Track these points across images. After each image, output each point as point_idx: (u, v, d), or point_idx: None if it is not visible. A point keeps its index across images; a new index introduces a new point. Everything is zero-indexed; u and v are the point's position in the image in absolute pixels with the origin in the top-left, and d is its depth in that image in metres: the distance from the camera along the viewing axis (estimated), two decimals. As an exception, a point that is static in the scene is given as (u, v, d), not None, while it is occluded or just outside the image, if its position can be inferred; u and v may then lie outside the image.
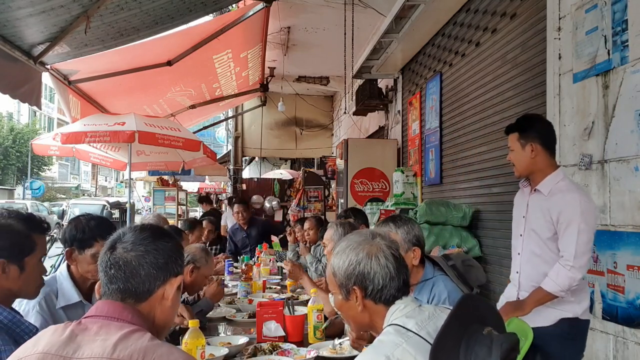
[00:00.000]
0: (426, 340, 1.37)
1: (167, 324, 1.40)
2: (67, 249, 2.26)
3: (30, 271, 1.73)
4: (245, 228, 6.28)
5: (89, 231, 2.24)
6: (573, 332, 2.43)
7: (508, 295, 2.62)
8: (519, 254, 2.59)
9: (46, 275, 1.93)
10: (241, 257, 5.42)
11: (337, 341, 2.37)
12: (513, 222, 2.70)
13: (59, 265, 7.72)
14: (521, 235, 2.58)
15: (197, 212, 16.86)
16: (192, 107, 8.46)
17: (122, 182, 40.51)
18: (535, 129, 2.50)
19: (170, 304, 1.35)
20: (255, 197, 11.45)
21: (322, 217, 8.97)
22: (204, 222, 5.95)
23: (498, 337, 1.31)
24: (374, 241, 1.54)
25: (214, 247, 6.42)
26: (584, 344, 2.52)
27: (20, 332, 1.62)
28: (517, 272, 2.59)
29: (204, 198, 11.51)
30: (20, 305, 2.09)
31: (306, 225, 4.93)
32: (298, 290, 3.76)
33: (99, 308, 1.28)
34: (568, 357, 2.42)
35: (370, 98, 7.26)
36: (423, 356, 1.33)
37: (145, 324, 1.29)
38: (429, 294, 2.10)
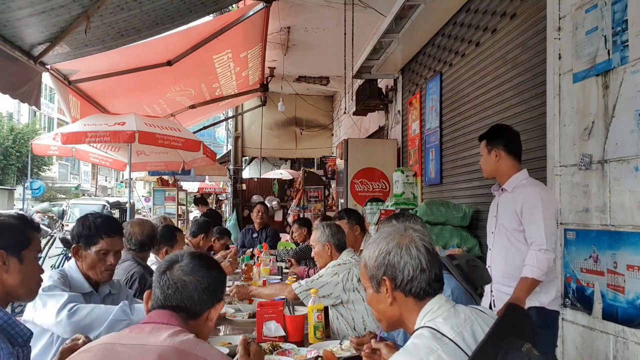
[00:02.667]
0: (461, 349, 1.34)
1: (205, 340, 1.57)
2: (73, 245, 2.36)
3: (29, 265, 1.75)
4: (258, 229, 6.54)
5: (94, 229, 2.34)
6: (541, 320, 2.64)
7: (485, 294, 2.79)
8: (490, 249, 2.91)
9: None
10: (241, 257, 5.43)
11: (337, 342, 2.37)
12: (487, 223, 3.02)
13: (59, 264, 7.73)
14: (492, 232, 2.90)
15: (193, 213, 16.82)
16: (192, 107, 8.46)
17: (122, 182, 40.52)
18: (501, 137, 2.86)
19: (212, 325, 1.55)
20: (255, 197, 11.46)
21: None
22: (225, 238, 5.99)
23: (538, 358, 1.28)
24: (406, 232, 1.53)
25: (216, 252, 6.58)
26: (556, 334, 2.76)
27: (15, 335, 1.61)
28: (489, 266, 2.84)
29: (199, 200, 11.49)
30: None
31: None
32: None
33: (151, 317, 1.46)
34: (539, 346, 2.48)
35: (370, 98, 7.26)
36: None
37: (190, 332, 1.45)
38: None
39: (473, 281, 2.19)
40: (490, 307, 2.72)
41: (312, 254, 3.21)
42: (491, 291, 2.81)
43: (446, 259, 2.25)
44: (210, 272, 1.51)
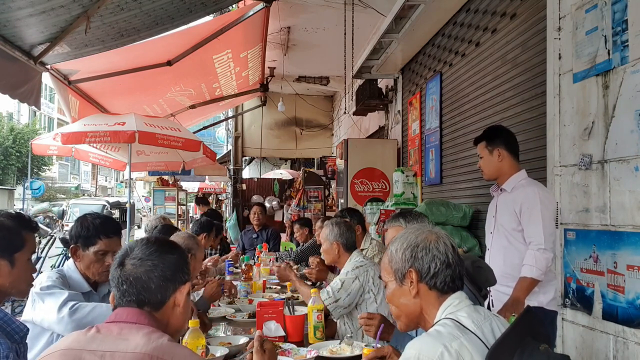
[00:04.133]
0: (481, 341, 1.38)
1: (180, 328, 1.50)
2: (72, 246, 2.35)
3: (20, 268, 1.74)
4: (257, 230, 6.56)
5: (93, 229, 2.33)
6: None
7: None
8: (488, 249, 2.90)
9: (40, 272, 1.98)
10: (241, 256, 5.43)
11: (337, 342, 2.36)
12: (486, 224, 3.00)
13: (59, 264, 7.73)
14: (491, 233, 2.88)
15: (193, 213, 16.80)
16: (192, 107, 8.46)
17: (122, 182, 40.53)
18: (500, 136, 2.83)
19: (182, 309, 1.46)
20: (255, 197, 11.45)
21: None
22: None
23: (555, 357, 1.32)
24: (433, 229, 1.59)
25: (214, 248, 6.57)
26: (555, 334, 2.77)
27: (11, 331, 1.62)
28: None
29: (201, 199, 11.50)
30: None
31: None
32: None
33: (118, 315, 1.37)
34: None
35: (370, 98, 7.26)
36: (479, 355, 1.34)
37: (161, 328, 1.37)
38: None
39: (477, 282, 2.19)
40: (489, 308, 2.71)
41: (321, 250, 3.16)
42: (489, 291, 2.80)
43: None
44: (164, 257, 1.42)
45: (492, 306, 2.73)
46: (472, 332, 1.39)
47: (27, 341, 1.70)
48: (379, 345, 1.92)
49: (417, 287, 1.50)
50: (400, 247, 1.54)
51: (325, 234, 3.09)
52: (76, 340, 1.32)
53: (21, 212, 2.06)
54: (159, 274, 1.39)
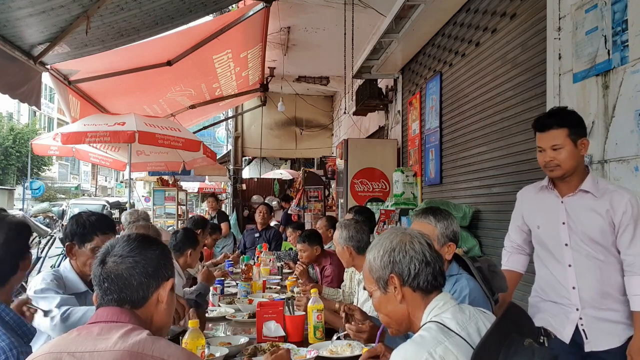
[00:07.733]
0: (467, 342, 1.37)
1: (165, 325, 1.47)
2: (67, 243, 2.36)
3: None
4: (260, 229, 6.60)
5: (89, 226, 2.35)
6: None
7: (557, 323, 2.29)
8: (570, 266, 2.28)
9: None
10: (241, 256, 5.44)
11: (336, 336, 2.33)
12: (541, 231, 2.40)
13: (59, 265, 7.73)
14: (566, 244, 2.28)
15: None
16: (192, 107, 8.48)
17: (122, 182, 40.52)
18: (583, 124, 2.28)
19: (166, 306, 1.44)
20: (255, 197, 11.45)
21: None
22: (217, 233, 5.99)
23: (540, 350, 1.31)
24: (406, 230, 1.57)
25: (226, 245, 6.73)
26: None
27: (22, 334, 1.62)
28: (574, 288, 2.26)
29: (214, 197, 11.49)
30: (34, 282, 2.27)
31: (318, 224, 4.75)
32: (298, 290, 3.76)
33: (99, 315, 1.36)
34: None
35: (370, 98, 7.26)
36: (465, 357, 1.33)
37: (143, 325, 1.36)
38: (450, 288, 2.08)
39: (492, 286, 2.15)
40: (578, 341, 2.25)
41: (337, 251, 3.04)
42: (580, 318, 2.25)
43: (469, 260, 2.20)
44: (145, 253, 1.40)
45: (586, 338, 2.23)
46: (456, 334, 1.38)
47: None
48: None
49: (402, 291, 1.49)
50: (378, 254, 1.52)
51: (336, 237, 2.96)
52: (56, 344, 1.31)
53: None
54: (140, 271, 1.38)
